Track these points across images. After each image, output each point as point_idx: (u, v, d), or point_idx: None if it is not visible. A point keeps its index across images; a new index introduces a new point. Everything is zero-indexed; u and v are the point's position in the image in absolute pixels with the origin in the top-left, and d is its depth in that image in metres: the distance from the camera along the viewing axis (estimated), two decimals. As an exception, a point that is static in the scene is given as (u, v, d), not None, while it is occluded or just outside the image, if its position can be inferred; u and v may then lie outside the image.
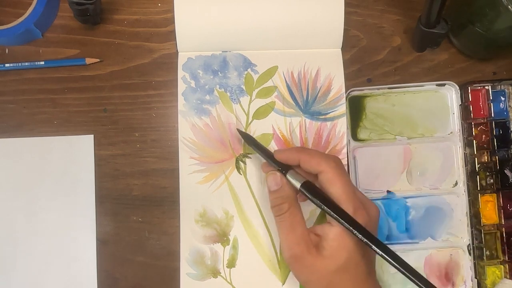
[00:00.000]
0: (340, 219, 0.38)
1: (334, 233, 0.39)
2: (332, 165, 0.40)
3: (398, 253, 0.38)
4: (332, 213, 0.38)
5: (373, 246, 0.37)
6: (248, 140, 0.47)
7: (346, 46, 0.51)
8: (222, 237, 0.50)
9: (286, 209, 0.41)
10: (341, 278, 0.39)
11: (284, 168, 0.43)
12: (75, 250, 0.50)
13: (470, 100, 0.51)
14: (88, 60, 0.51)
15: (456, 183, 0.52)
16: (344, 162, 0.50)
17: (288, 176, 0.42)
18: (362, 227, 0.38)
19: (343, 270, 0.39)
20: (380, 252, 0.37)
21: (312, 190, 0.40)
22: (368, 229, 0.38)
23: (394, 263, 0.37)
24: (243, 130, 0.49)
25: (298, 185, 0.41)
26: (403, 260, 0.37)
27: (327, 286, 0.40)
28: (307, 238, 0.40)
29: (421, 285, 0.36)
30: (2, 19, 0.51)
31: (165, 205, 0.51)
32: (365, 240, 0.37)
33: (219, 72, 0.51)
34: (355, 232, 0.38)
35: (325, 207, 0.39)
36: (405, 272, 0.36)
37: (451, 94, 0.52)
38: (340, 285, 0.39)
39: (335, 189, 0.39)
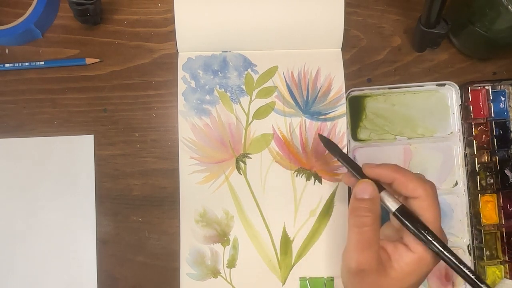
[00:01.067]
0: (441, 250, 0.37)
1: (411, 259, 0.37)
2: (429, 193, 0.38)
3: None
4: (434, 242, 0.37)
5: (473, 278, 0.36)
6: (332, 149, 0.44)
7: (346, 46, 0.51)
8: (222, 237, 0.50)
9: (370, 223, 0.38)
10: None
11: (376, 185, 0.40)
12: (75, 250, 0.50)
13: (470, 100, 0.51)
14: (88, 60, 0.51)
15: (456, 183, 0.52)
16: (344, 162, 0.50)
17: (382, 195, 0.40)
18: (457, 257, 0.37)
19: None
20: (476, 282, 0.36)
21: (409, 216, 0.38)
22: None
23: None
24: (324, 136, 0.46)
25: (393, 208, 0.39)
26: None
27: None
28: (379, 256, 0.38)
29: None
30: (2, 19, 0.51)
31: (165, 205, 0.51)
32: (465, 269, 0.36)
33: (219, 72, 0.51)
34: (457, 263, 0.37)
35: (423, 235, 0.37)
36: None
37: (451, 94, 0.52)
38: None
39: (427, 217, 0.38)
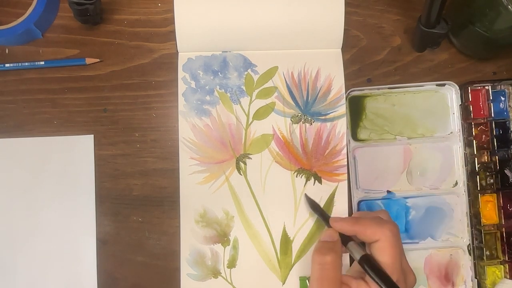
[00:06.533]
0: None
1: None
2: (387, 235, 0.41)
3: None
4: None
5: None
6: (313, 206, 0.49)
7: (346, 46, 0.51)
8: (222, 237, 0.50)
9: (330, 261, 0.41)
10: None
11: (344, 237, 0.44)
12: (75, 250, 0.50)
13: (470, 100, 0.51)
14: (88, 60, 0.51)
15: (456, 183, 0.52)
16: (344, 162, 0.50)
17: (349, 246, 0.43)
18: None
19: None
20: None
21: (371, 264, 0.41)
22: None
23: None
24: (308, 197, 0.50)
25: (358, 257, 0.42)
26: None
27: None
28: None
29: None
30: (2, 19, 0.51)
31: (165, 205, 0.51)
32: None
33: (219, 73, 0.51)
34: None
35: (382, 284, 0.39)
36: None
37: (451, 94, 0.52)
38: None
39: (385, 258, 0.40)
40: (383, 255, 0.40)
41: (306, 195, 0.50)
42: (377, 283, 0.39)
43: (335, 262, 0.41)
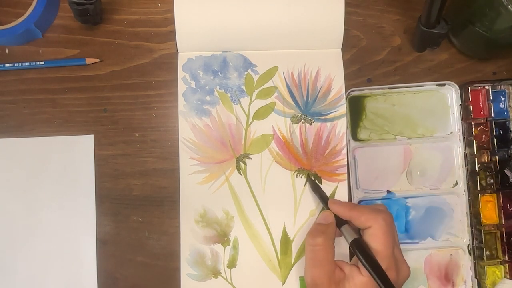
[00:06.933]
0: (376, 278, 0.40)
1: (361, 281, 0.41)
2: (379, 222, 0.42)
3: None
4: (372, 273, 0.40)
5: None
6: (314, 187, 0.50)
7: (346, 46, 0.51)
8: (222, 237, 0.50)
9: (321, 243, 0.43)
10: None
11: (340, 221, 0.45)
12: (75, 250, 0.50)
13: (470, 100, 0.51)
14: (88, 60, 0.51)
15: (456, 183, 0.52)
16: (344, 162, 0.50)
17: (343, 229, 0.44)
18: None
19: None
20: None
21: (360, 247, 0.42)
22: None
23: None
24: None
25: (349, 240, 0.43)
26: None
27: None
28: (332, 275, 0.42)
29: None
30: (2, 19, 0.51)
31: (165, 205, 0.51)
32: None
33: (219, 73, 0.51)
34: None
35: (367, 266, 0.40)
36: None
37: (451, 94, 0.52)
38: None
39: (376, 245, 0.41)
40: (375, 241, 0.41)
41: (308, 177, 0.50)
42: (364, 265, 0.40)
43: (326, 243, 0.43)
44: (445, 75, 0.53)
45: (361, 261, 0.41)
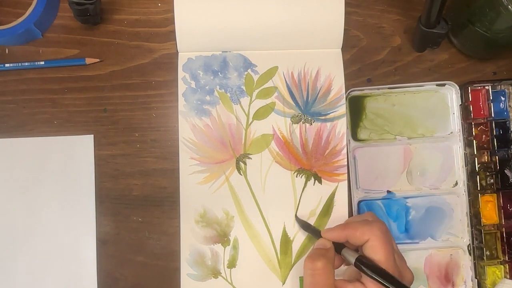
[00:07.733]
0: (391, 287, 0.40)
1: None
2: (376, 233, 0.41)
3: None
4: (386, 283, 0.40)
5: None
6: (303, 225, 0.50)
7: (346, 46, 0.51)
8: (222, 237, 0.50)
9: (321, 267, 0.42)
10: None
11: (337, 246, 0.44)
12: (75, 250, 0.50)
13: (470, 100, 0.51)
14: (88, 60, 0.51)
15: (456, 183, 0.52)
16: (344, 162, 0.50)
17: (343, 252, 0.44)
18: None
19: None
20: None
21: (366, 263, 0.41)
22: None
23: None
24: (299, 218, 0.50)
25: (352, 260, 0.42)
26: None
27: None
28: None
29: None
30: (2, 19, 0.51)
31: (165, 205, 0.51)
32: None
33: (219, 73, 0.51)
34: None
35: (380, 279, 0.40)
36: None
37: (451, 94, 0.52)
38: None
39: (378, 256, 0.41)
40: (376, 253, 0.41)
41: (296, 217, 0.50)
42: (375, 279, 0.40)
43: (326, 267, 0.42)
44: (445, 75, 0.53)
45: (371, 277, 0.40)
